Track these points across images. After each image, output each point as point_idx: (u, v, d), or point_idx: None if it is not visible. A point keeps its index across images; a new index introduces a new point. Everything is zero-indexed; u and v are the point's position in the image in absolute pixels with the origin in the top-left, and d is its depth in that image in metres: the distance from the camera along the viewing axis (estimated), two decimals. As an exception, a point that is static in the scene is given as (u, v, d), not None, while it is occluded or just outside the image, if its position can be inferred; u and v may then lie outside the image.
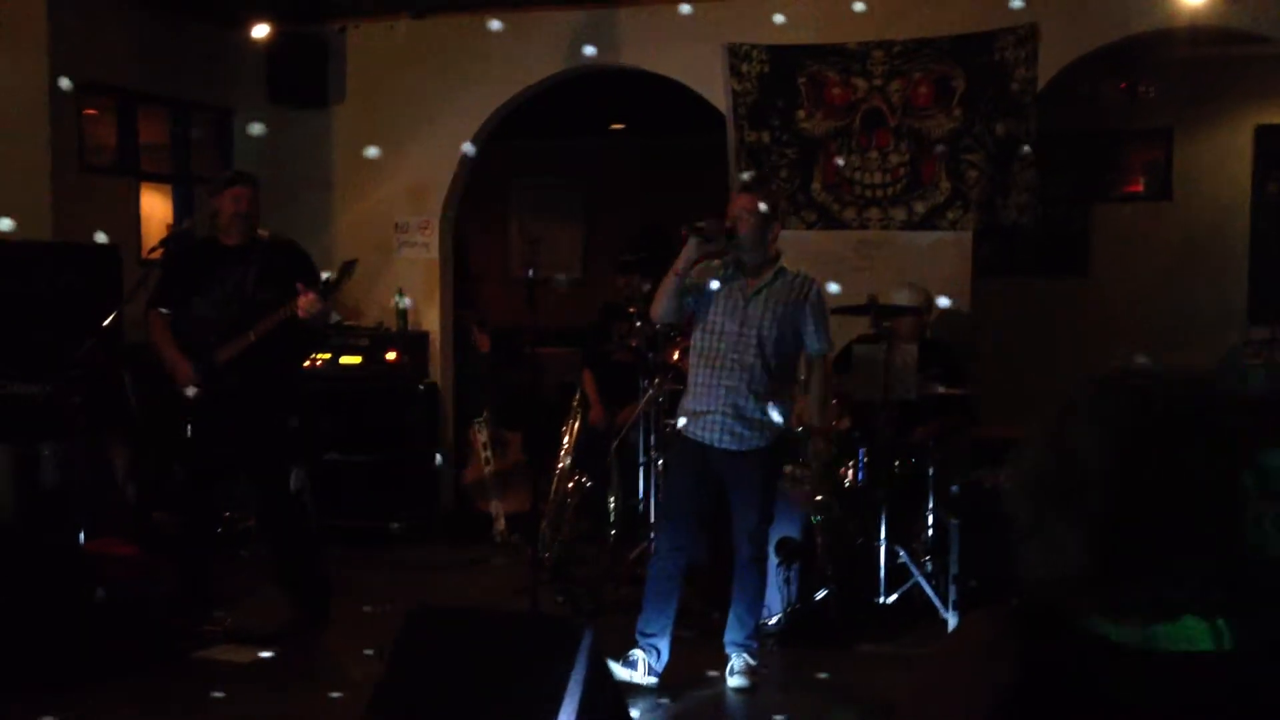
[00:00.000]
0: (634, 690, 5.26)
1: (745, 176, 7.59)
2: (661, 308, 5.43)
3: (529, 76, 8.40)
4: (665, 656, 5.44)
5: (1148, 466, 1.37)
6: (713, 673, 5.50)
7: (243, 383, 5.89)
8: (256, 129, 7.93)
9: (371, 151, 7.46)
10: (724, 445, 5.36)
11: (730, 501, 5.47)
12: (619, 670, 5.24)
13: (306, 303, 5.71)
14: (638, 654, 5.39)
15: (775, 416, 5.32)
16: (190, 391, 5.87)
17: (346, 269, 5.99)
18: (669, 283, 5.35)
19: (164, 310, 6.06)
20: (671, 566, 5.43)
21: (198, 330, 5.96)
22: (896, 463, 6.65)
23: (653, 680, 5.38)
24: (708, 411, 5.37)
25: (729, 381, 5.34)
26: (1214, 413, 1.40)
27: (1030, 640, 1.42)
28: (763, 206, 5.35)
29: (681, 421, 5.52)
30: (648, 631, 5.41)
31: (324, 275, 5.91)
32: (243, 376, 5.89)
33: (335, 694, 5.19)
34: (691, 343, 5.53)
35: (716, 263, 5.44)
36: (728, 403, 5.33)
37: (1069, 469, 1.40)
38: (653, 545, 5.86)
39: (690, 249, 5.28)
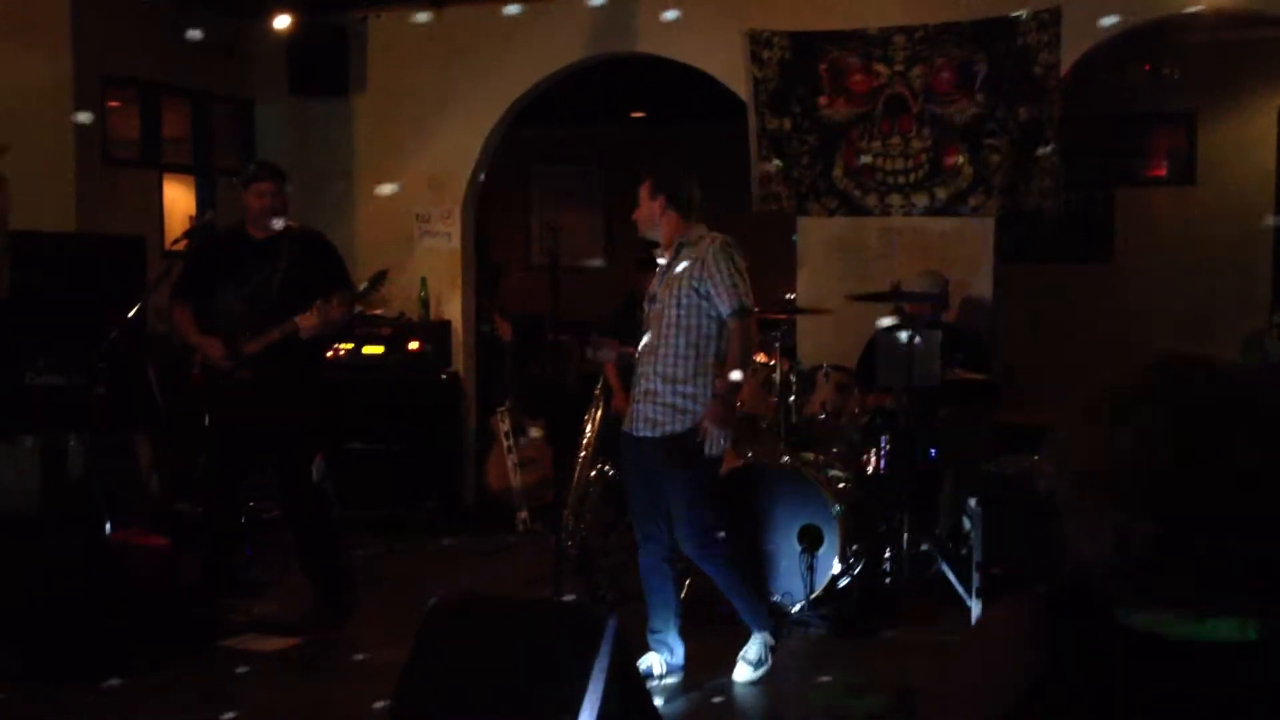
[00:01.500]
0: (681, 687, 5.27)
1: (765, 166, 7.58)
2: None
3: (549, 64, 8.39)
4: (679, 650, 5.39)
5: (1220, 457, 1.36)
6: (734, 661, 5.49)
7: (264, 373, 5.91)
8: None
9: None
10: (641, 433, 5.23)
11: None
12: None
13: (309, 324, 5.75)
14: (650, 657, 5.33)
15: (700, 392, 5.11)
16: (225, 366, 5.91)
17: (377, 280, 6.03)
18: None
19: (187, 301, 6.09)
20: (650, 560, 5.36)
21: (223, 321, 5.99)
22: (919, 449, 6.64)
23: (675, 678, 5.34)
24: (634, 401, 5.30)
25: (642, 367, 5.25)
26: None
27: (1058, 628, 1.42)
28: (644, 191, 5.34)
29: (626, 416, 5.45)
30: (654, 628, 5.39)
31: (360, 286, 5.97)
32: (264, 367, 5.91)
33: (360, 682, 5.21)
34: None
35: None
36: (642, 390, 5.24)
37: (1128, 456, 1.38)
38: None
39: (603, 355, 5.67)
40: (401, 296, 8.60)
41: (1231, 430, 1.37)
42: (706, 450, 5.11)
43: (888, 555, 6.43)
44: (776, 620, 5.67)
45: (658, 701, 4.85)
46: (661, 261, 5.35)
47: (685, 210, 5.27)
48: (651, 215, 5.31)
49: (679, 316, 5.12)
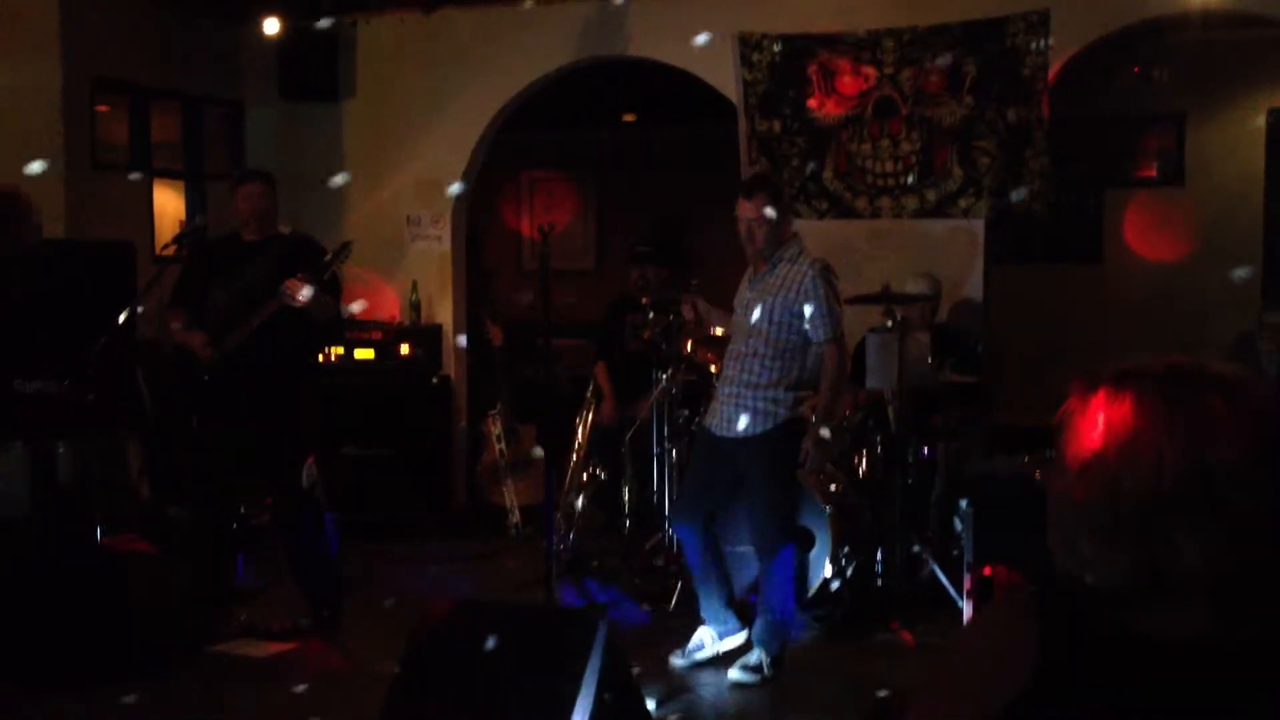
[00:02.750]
0: (649, 680, 5.27)
1: (754, 168, 7.60)
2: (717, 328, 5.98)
3: (539, 68, 8.39)
4: (733, 623, 5.60)
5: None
6: (729, 661, 5.50)
7: (253, 376, 5.90)
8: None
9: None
10: (725, 433, 5.44)
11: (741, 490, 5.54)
12: (679, 662, 5.51)
13: (298, 288, 5.69)
14: (702, 632, 5.60)
15: (784, 397, 5.36)
16: (208, 358, 5.90)
17: (340, 251, 6.01)
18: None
19: (182, 307, 6.09)
20: (692, 553, 5.60)
21: (212, 320, 5.98)
22: (911, 450, 6.64)
23: (733, 642, 5.57)
24: (717, 401, 5.52)
25: (731, 371, 5.46)
26: None
27: (1050, 629, 1.41)
28: (769, 212, 5.33)
29: (707, 412, 5.71)
30: (703, 616, 5.63)
31: (325, 257, 5.95)
32: (253, 369, 5.90)
33: (352, 687, 5.20)
34: None
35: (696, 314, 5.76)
36: (727, 392, 5.45)
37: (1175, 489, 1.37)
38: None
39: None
40: (392, 301, 8.60)
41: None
42: (806, 467, 5.42)
43: (879, 557, 6.43)
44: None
45: (650, 704, 4.85)
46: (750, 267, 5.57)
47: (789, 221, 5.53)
48: (777, 229, 5.37)
49: (770, 330, 5.33)
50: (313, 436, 6.23)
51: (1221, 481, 1.35)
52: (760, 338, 5.35)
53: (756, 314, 5.34)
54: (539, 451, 7.94)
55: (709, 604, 5.61)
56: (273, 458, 6.07)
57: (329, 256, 5.95)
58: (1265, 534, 1.35)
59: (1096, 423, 1.42)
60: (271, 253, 5.98)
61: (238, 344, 5.89)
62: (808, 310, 5.29)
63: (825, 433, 5.36)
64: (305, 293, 5.69)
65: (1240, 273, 7.38)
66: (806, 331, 5.33)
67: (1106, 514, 1.39)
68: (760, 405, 5.36)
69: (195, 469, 6.17)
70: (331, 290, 5.96)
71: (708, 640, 5.59)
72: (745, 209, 5.36)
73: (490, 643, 3.88)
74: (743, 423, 5.38)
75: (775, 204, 5.36)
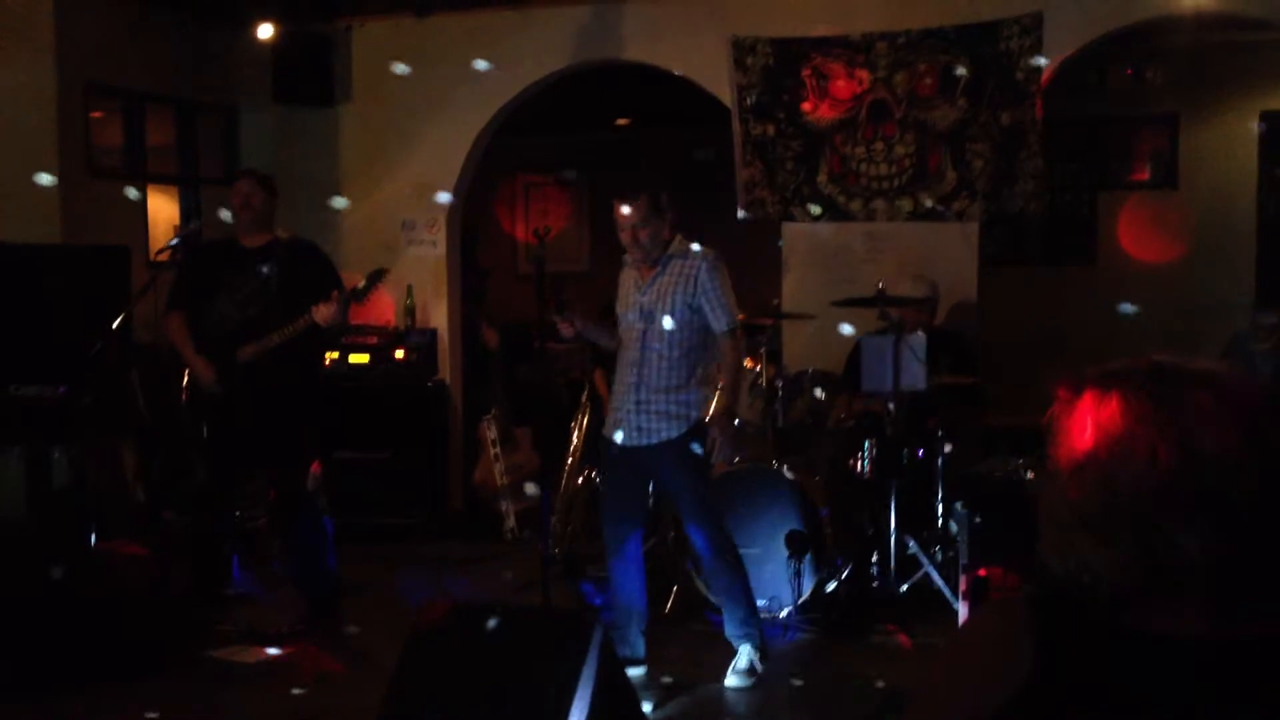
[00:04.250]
0: (646, 684, 5.27)
1: (746, 174, 7.59)
2: (604, 346, 5.68)
3: (534, 73, 8.39)
4: (640, 648, 5.44)
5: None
6: (725, 664, 5.50)
7: (261, 382, 5.90)
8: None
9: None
10: (634, 442, 5.34)
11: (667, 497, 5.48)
12: None
13: (328, 313, 5.75)
14: None
15: (694, 397, 5.30)
16: (212, 389, 5.92)
17: (375, 277, 6.01)
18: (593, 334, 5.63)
19: (181, 311, 6.09)
20: (619, 564, 5.47)
21: (218, 330, 5.98)
22: (906, 452, 6.65)
23: (637, 671, 5.35)
24: (617, 410, 5.40)
25: (630, 378, 5.35)
26: None
27: (1045, 630, 1.42)
28: (626, 210, 5.35)
29: (606, 424, 5.54)
30: (615, 624, 5.42)
31: (357, 285, 5.95)
32: (261, 376, 5.90)
33: (349, 691, 5.20)
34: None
35: (627, 263, 5.51)
36: (631, 400, 5.34)
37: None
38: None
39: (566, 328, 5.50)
40: (387, 305, 8.60)
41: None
42: (712, 459, 5.32)
43: (875, 559, 6.44)
44: (765, 625, 5.67)
45: (646, 707, 4.86)
46: (632, 271, 5.47)
47: (672, 223, 5.40)
48: (660, 231, 5.33)
49: (674, 331, 5.26)
50: (318, 442, 6.23)
51: (1213, 474, 1.36)
52: (664, 340, 5.28)
53: (659, 316, 5.27)
54: (532, 489, 7.91)
55: (625, 619, 5.44)
56: (278, 462, 6.06)
57: (364, 284, 5.95)
58: (1259, 526, 1.36)
59: (1085, 424, 1.43)
60: (275, 261, 5.97)
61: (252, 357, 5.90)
62: (705, 303, 5.26)
63: (736, 421, 5.36)
64: (334, 316, 5.77)
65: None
66: (706, 325, 5.29)
67: (1103, 510, 1.39)
68: (674, 409, 5.28)
69: (203, 473, 6.16)
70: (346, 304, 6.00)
71: None
72: (627, 216, 5.35)
73: (492, 623, 3.88)
74: (659, 429, 5.29)
75: (654, 208, 5.33)
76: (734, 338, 5.32)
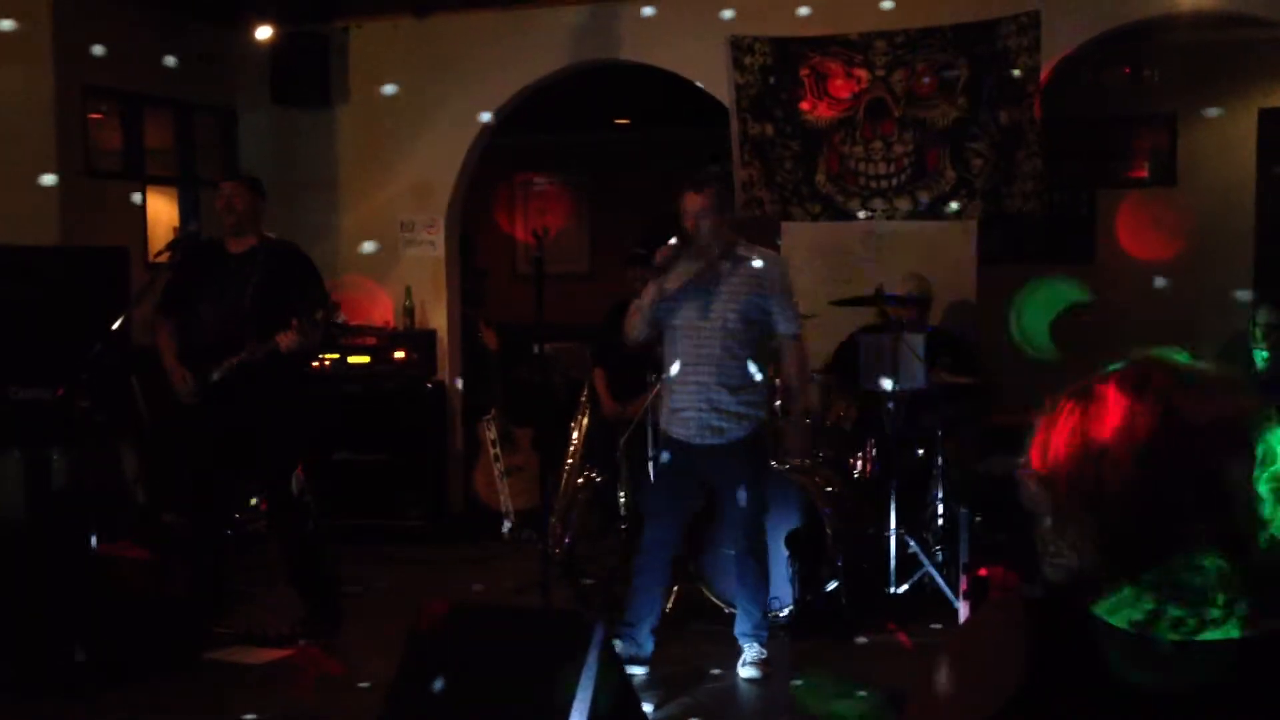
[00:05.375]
0: (647, 684, 5.27)
1: (745, 173, 7.61)
2: (637, 330, 5.51)
3: (532, 73, 8.39)
4: (649, 647, 5.47)
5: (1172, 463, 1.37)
6: (725, 665, 5.51)
7: (241, 391, 5.88)
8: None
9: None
10: (704, 441, 5.38)
11: (719, 496, 5.50)
12: None
13: (288, 342, 5.73)
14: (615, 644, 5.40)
15: (756, 376, 5.36)
16: (188, 400, 5.92)
17: (329, 312, 5.92)
18: (647, 305, 5.40)
19: (169, 317, 6.08)
20: (656, 562, 5.50)
21: (199, 338, 5.97)
22: (906, 452, 6.65)
23: (639, 670, 5.37)
24: (684, 408, 5.41)
25: (700, 377, 5.36)
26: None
27: (1042, 631, 1.42)
28: (693, 197, 5.37)
29: (663, 420, 5.55)
30: (628, 620, 5.47)
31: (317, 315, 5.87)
32: (242, 384, 5.87)
33: (349, 693, 5.20)
34: (665, 344, 5.55)
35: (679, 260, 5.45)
36: (702, 398, 5.36)
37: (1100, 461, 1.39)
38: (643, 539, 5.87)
39: (659, 279, 5.35)
40: (386, 306, 8.60)
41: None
42: (791, 456, 5.66)
43: (875, 558, 6.43)
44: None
45: (647, 706, 4.86)
46: (691, 266, 5.41)
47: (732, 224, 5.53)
48: (720, 225, 5.37)
49: (745, 331, 5.35)
50: (303, 444, 6.22)
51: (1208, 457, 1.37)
52: (736, 339, 5.34)
53: (733, 316, 5.32)
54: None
55: (638, 618, 5.46)
56: (264, 465, 6.05)
57: (320, 314, 5.86)
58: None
59: (1069, 429, 1.44)
60: (257, 267, 5.95)
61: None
62: (776, 306, 5.38)
63: (808, 419, 5.44)
64: (293, 345, 5.75)
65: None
66: (774, 327, 5.40)
67: (1093, 505, 1.40)
68: (743, 409, 5.37)
69: (188, 474, 6.16)
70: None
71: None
72: (692, 202, 5.37)
73: (438, 685, 3.86)
74: (730, 428, 5.36)
75: (719, 201, 5.40)
76: (800, 341, 5.49)
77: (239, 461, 6.06)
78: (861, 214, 7.69)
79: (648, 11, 7.61)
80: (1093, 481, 1.39)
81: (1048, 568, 1.45)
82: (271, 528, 6.42)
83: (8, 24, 6.82)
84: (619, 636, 5.41)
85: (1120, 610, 1.39)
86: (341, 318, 6.57)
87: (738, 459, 5.39)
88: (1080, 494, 1.40)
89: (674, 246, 5.31)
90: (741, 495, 5.42)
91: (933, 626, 6.01)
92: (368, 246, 8.27)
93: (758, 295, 5.35)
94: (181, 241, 6.48)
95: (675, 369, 5.43)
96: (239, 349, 5.83)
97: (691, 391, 5.38)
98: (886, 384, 6.45)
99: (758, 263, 5.39)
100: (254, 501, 7.23)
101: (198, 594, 6.07)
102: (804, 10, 7.56)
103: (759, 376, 5.42)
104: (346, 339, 8.24)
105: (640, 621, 5.46)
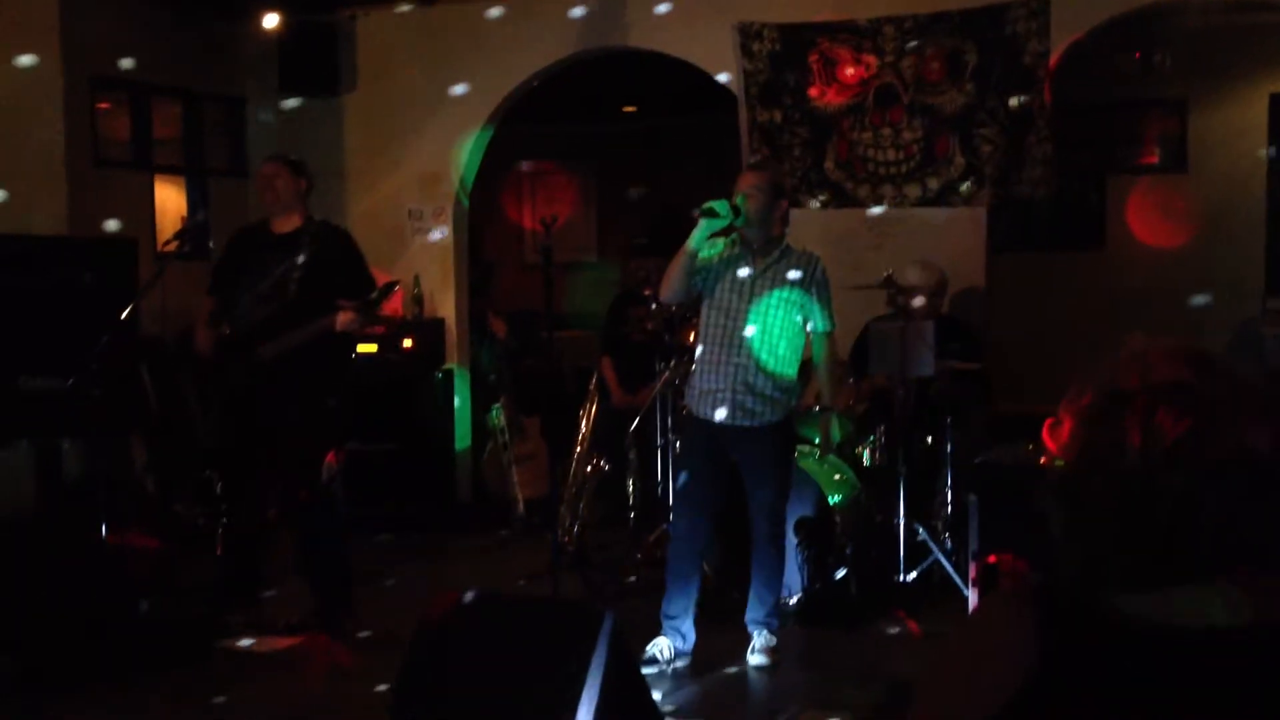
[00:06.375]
0: (656, 672, 5.28)
1: (754, 159, 7.61)
2: (671, 288, 5.43)
3: (539, 61, 8.38)
4: (691, 638, 5.48)
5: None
6: (734, 652, 5.50)
7: (281, 373, 5.85)
8: (265, 116, 7.96)
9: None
10: (736, 423, 5.39)
11: (745, 479, 5.49)
12: (644, 668, 5.26)
13: (347, 320, 5.73)
14: (661, 641, 5.42)
15: (792, 364, 5.46)
16: (206, 357, 5.93)
17: (386, 290, 5.95)
18: (679, 262, 5.35)
19: (214, 297, 6.08)
20: (689, 548, 5.50)
21: (243, 320, 5.95)
22: (915, 440, 6.64)
23: (682, 663, 5.41)
24: (718, 389, 5.40)
25: (738, 359, 5.38)
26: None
27: (1051, 619, 1.41)
28: (750, 175, 5.45)
29: (692, 401, 5.53)
30: (670, 614, 5.47)
31: (372, 295, 5.88)
32: (280, 367, 5.85)
33: (358, 682, 5.21)
34: (700, 321, 5.55)
35: (724, 241, 5.45)
36: (738, 380, 5.37)
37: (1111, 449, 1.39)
38: (670, 527, 5.88)
39: (700, 229, 5.28)
40: (395, 294, 8.60)
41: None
42: (830, 445, 5.84)
43: (885, 546, 6.43)
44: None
45: (656, 695, 4.85)
46: (734, 250, 5.45)
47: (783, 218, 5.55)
48: (768, 207, 5.40)
49: (784, 320, 5.40)
50: (336, 432, 6.19)
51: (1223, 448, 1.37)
52: (776, 326, 5.38)
53: (775, 305, 5.36)
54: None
55: (682, 609, 5.47)
56: (296, 454, 6.02)
57: (375, 295, 5.88)
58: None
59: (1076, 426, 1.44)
60: (302, 248, 5.92)
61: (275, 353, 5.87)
62: (817, 301, 5.43)
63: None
64: (351, 324, 5.76)
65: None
66: (810, 321, 5.45)
67: (1108, 491, 1.40)
68: (779, 395, 5.41)
69: (229, 461, 6.14)
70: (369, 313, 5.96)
71: (664, 651, 5.43)
72: (748, 180, 5.44)
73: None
74: (763, 412, 5.39)
75: (774, 186, 5.45)
76: (832, 337, 5.56)
77: (275, 447, 6.01)
78: (877, 209, 7.66)
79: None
80: (1111, 464, 1.39)
81: (1061, 557, 1.44)
82: (289, 516, 6.38)
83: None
84: (662, 630, 5.45)
85: (1127, 593, 1.39)
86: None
87: (767, 444, 5.42)
88: (1098, 478, 1.40)
89: (716, 206, 5.25)
90: (766, 482, 5.45)
91: (942, 615, 6.00)
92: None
93: (800, 288, 5.40)
94: (190, 232, 6.48)
95: (709, 349, 5.45)
96: (285, 329, 5.82)
97: (729, 372, 5.39)
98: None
99: (802, 257, 5.46)
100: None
101: (232, 581, 6.05)
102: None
103: (794, 364, 5.47)
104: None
105: (683, 613, 5.48)
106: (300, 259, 5.88)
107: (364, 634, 5.95)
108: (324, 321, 5.77)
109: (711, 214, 5.22)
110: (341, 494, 6.17)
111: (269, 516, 6.99)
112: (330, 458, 6.07)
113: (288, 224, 6.01)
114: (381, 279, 6.04)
